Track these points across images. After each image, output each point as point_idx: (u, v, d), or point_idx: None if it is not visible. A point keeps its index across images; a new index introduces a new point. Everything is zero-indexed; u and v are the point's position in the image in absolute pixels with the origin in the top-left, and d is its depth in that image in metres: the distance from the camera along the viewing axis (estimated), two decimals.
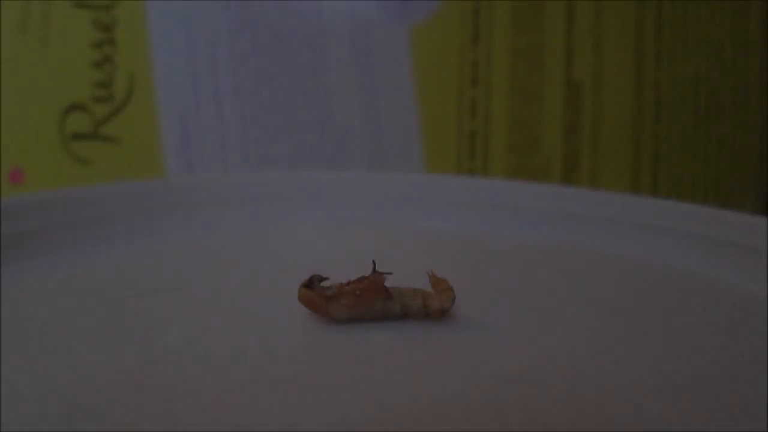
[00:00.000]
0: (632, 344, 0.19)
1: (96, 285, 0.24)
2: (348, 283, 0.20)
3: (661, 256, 0.28)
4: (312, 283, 0.20)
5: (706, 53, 0.42)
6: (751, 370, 0.18)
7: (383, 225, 0.32)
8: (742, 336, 0.20)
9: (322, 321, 0.20)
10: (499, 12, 0.40)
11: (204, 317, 0.21)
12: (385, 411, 0.15)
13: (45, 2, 0.40)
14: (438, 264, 0.22)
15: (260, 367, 0.17)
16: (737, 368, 0.18)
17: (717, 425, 0.15)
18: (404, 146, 0.41)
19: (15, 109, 0.41)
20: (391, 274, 0.20)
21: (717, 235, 0.27)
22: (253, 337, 0.19)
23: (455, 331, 0.20)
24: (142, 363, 0.17)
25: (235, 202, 0.33)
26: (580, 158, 0.41)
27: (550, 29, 0.40)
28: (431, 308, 0.20)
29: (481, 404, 0.16)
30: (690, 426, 0.15)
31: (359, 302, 0.20)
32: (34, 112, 0.41)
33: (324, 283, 0.20)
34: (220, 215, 0.32)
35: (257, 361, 0.18)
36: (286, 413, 0.15)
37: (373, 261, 0.20)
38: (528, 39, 0.40)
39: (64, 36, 0.41)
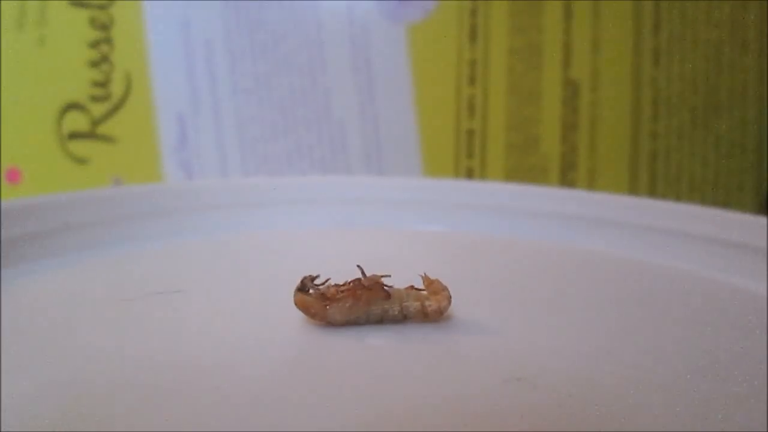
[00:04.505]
0: (632, 344, 0.19)
1: (95, 288, 0.24)
2: (344, 285, 0.20)
3: (660, 256, 0.28)
4: (305, 286, 0.20)
5: (705, 52, 0.42)
6: (751, 370, 0.18)
7: (381, 228, 0.32)
8: (742, 336, 0.20)
9: (320, 324, 0.20)
10: (496, 11, 0.40)
11: (202, 321, 0.20)
12: (385, 413, 0.15)
13: (42, 1, 0.40)
14: (436, 266, 0.22)
15: (259, 370, 0.17)
16: (737, 368, 0.18)
17: (717, 425, 0.15)
18: (402, 145, 0.41)
19: (12, 109, 0.41)
20: (389, 276, 0.20)
21: (717, 235, 0.27)
22: (251, 340, 0.19)
23: (454, 333, 0.20)
24: (140, 365, 0.17)
25: (233, 206, 0.33)
26: (577, 157, 0.41)
27: (547, 28, 0.40)
28: (429, 309, 0.20)
29: (481, 406, 0.16)
30: (690, 426, 0.15)
31: (358, 304, 0.20)
32: (31, 112, 0.41)
33: (316, 281, 0.20)
34: (219, 219, 0.32)
35: (255, 364, 0.18)
36: (285, 417, 0.15)
37: (359, 266, 0.20)
38: (526, 38, 0.40)
39: (61, 35, 0.41)
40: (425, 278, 0.21)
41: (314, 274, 0.20)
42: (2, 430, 0.14)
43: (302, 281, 0.20)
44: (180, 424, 0.14)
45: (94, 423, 0.14)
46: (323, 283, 0.20)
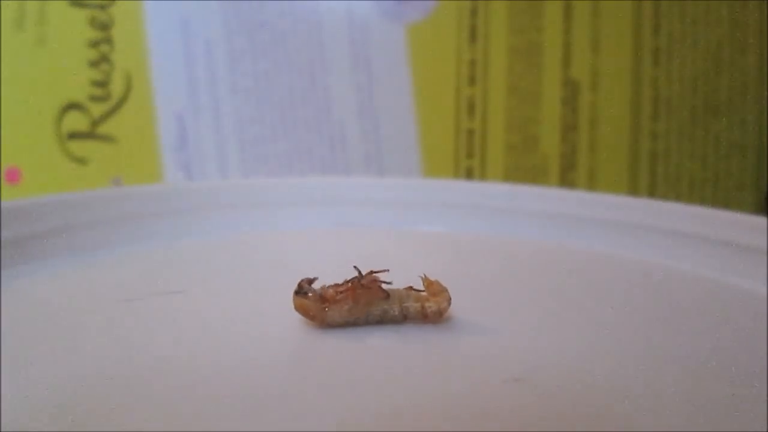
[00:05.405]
0: (631, 345, 0.19)
1: (95, 288, 0.24)
2: (342, 284, 0.20)
3: (660, 257, 0.28)
4: (302, 289, 0.20)
5: (704, 52, 0.42)
6: (751, 370, 0.18)
7: (381, 229, 0.32)
8: (742, 336, 0.20)
9: (320, 326, 0.20)
10: (496, 11, 0.40)
11: (202, 322, 0.20)
12: (385, 414, 0.15)
13: (41, 1, 0.40)
14: (436, 267, 0.22)
15: (258, 371, 0.17)
16: (737, 368, 0.18)
17: (717, 425, 0.15)
18: (402, 145, 0.41)
19: (11, 109, 0.41)
20: (387, 271, 0.20)
21: (717, 235, 0.27)
22: (251, 341, 0.19)
23: (453, 333, 0.20)
24: (139, 365, 0.17)
25: (233, 206, 0.32)
26: (577, 157, 0.41)
27: (547, 28, 0.40)
28: (429, 311, 0.20)
29: (480, 406, 0.16)
30: (690, 426, 0.15)
31: (357, 306, 0.20)
32: (31, 112, 0.41)
33: (314, 285, 0.20)
34: (219, 220, 0.32)
35: (255, 364, 0.18)
36: (285, 417, 0.15)
37: (356, 267, 0.20)
38: (525, 38, 0.40)
39: (61, 35, 0.41)
40: (425, 279, 0.21)
41: (311, 277, 0.20)
42: (2, 430, 0.14)
43: (299, 284, 0.20)
44: (180, 425, 0.14)
45: (94, 423, 0.14)
46: (321, 288, 0.20)
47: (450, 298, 0.20)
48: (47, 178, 0.41)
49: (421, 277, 0.21)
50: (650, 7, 0.41)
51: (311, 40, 0.40)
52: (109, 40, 0.40)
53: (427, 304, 0.20)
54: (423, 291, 0.20)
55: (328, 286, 0.20)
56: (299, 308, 0.20)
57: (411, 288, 0.20)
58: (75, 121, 0.41)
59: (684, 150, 0.42)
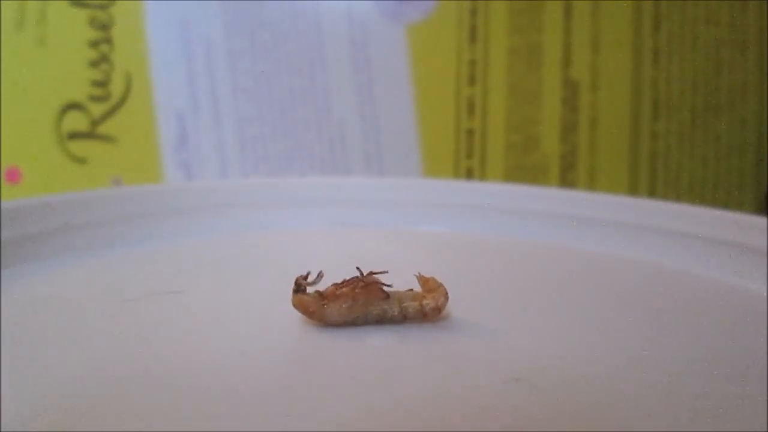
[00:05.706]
0: (631, 345, 0.19)
1: (95, 288, 0.24)
2: (341, 283, 0.20)
3: (660, 257, 0.28)
4: (300, 286, 0.20)
5: (704, 52, 0.42)
6: (751, 370, 0.18)
7: (381, 229, 0.32)
8: (742, 336, 0.20)
9: (319, 324, 0.20)
10: (496, 11, 0.40)
11: (201, 321, 0.20)
12: (384, 413, 0.15)
13: (42, 1, 0.40)
14: (436, 267, 0.22)
15: (258, 371, 0.17)
16: (737, 368, 0.18)
17: (717, 425, 0.15)
18: (402, 145, 0.41)
19: (12, 109, 0.41)
20: (386, 272, 0.20)
21: (717, 235, 0.27)
22: (250, 341, 0.19)
23: (453, 333, 0.20)
24: (139, 365, 0.17)
25: (233, 207, 0.32)
26: (577, 157, 0.41)
27: (547, 28, 0.40)
28: (427, 308, 0.20)
29: (480, 406, 0.16)
30: (690, 426, 0.15)
31: (356, 305, 0.20)
32: (31, 112, 0.41)
33: (309, 278, 0.20)
34: (219, 220, 0.32)
35: (255, 364, 0.18)
36: (284, 417, 0.15)
37: (358, 268, 0.20)
38: (525, 38, 0.40)
39: (61, 35, 0.41)
40: (420, 277, 0.21)
41: (305, 273, 0.20)
42: (2, 430, 0.14)
43: (296, 282, 0.20)
44: (179, 424, 0.14)
45: (95, 423, 0.14)
46: (317, 277, 0.20)
47: (447, 293, 0.20)
48: (47, 178, 0.41)
49: (416, 276, 0.21)
50: (650, 7, 0.41)
51: (311, 40, 0.40)
52: (109, 40, 0.40)
53: (424, 302, 0.20)
54: (420, 290, 0.21)
55: (329, 286, 0.20)
56: (298, 305, 0.20)
57: (412, 290, 0.20)
58: (75, 121, 0.41)
59: (684, 150, 0.42)
